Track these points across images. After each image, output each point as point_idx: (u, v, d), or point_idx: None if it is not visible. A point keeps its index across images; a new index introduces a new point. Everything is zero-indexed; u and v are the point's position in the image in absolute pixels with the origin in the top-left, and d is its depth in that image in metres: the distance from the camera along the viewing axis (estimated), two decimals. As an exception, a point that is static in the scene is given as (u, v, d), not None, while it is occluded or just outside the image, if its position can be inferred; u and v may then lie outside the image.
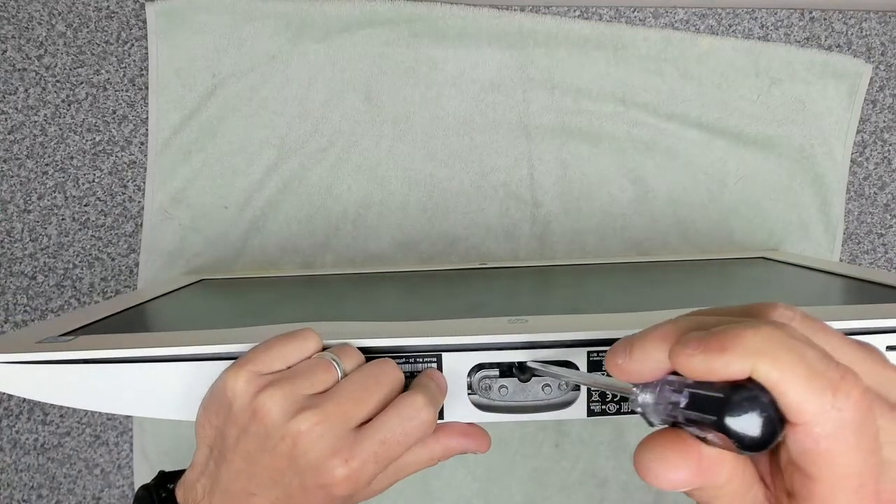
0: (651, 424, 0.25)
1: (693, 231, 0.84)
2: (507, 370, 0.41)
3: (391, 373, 0.39)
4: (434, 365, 0.41)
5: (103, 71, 0.80)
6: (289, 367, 0.38)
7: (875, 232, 0.87)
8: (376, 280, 0.72)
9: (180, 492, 0.39)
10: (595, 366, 0.40)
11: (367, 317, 0.47)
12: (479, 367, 0.41)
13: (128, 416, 0.83)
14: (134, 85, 0.80)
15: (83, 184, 0.81)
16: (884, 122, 0.85)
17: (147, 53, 0.80)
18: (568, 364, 0.40)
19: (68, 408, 0.82)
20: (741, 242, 0.85)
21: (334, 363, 0.38)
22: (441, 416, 0.42)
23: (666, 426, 0.24)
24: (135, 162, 0.81)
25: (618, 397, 0.41)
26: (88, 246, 0.82)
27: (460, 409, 0.42)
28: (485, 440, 0.42)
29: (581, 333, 0.40)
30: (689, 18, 0.82)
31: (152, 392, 0.41)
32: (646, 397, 0.25)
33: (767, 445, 0.21)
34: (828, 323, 0.26)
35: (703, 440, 0.22)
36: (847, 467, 0.21)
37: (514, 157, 0.83)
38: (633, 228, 0.84)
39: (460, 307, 0.57)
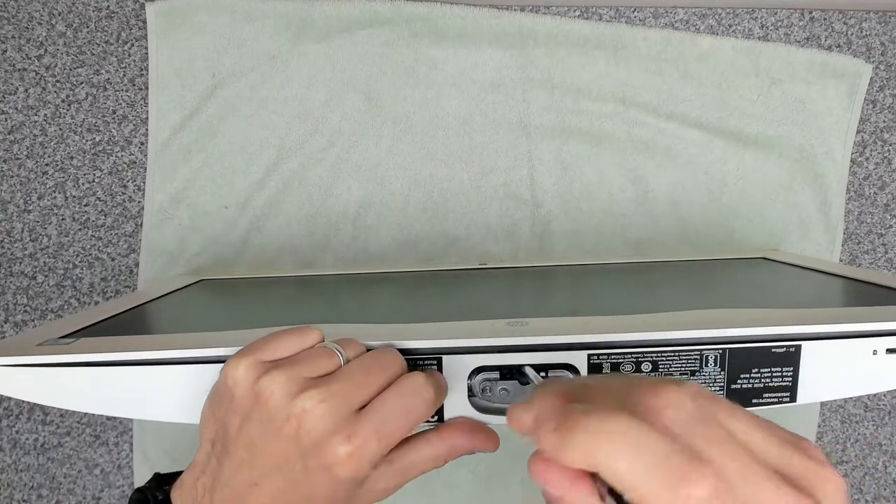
0: None
1: (693, 231, 0.84)
2: (507, 373, 0.41)
3: (394, 359, 0.38)
4: (434, 367, 0.41)
5: (103, 71, 0.80)
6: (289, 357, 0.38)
7: (875, 232, 0.87)
8: (376, 280, 0.72)
9: (176, 493, 0.38)
10: (595, 368, 0.41)
11: (366, 317, 0.47)
12: (480, 369, 0.41)
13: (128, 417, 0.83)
14: (134, 85, 0.80)
15: (83, 184, 0.81)
16: (884, 122, 0.85)
17: (147, 53, 0.80)
18: (569, 367, 0.41)
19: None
20: (741, 242, 0.85)
21: (337, 351, 0.38)
22: (441, 418, 0.42)
23: None
24: (135, 162, 0.81)
25: None
26: (88, 246, 0.82)
27: (461, 411, 0.42)
28: (492, 439, 0.41)
29: (581, 336, 0.40)
30: (689, 18, 0.82)
31: (153, 395, 0.41)
32: None
33: None
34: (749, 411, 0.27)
35: None
36: None
37: (514, 157, 0.83)
38: (633, 228, 0.84)
39: (460, 308, 0.57)
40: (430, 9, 0.79)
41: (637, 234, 0.84)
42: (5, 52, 0.79)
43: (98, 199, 0.81)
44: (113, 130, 0.81)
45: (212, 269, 0.82)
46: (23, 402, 0.82)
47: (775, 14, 0.82)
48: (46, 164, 0.80)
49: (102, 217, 0.82)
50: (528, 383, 0.41)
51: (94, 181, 0.81)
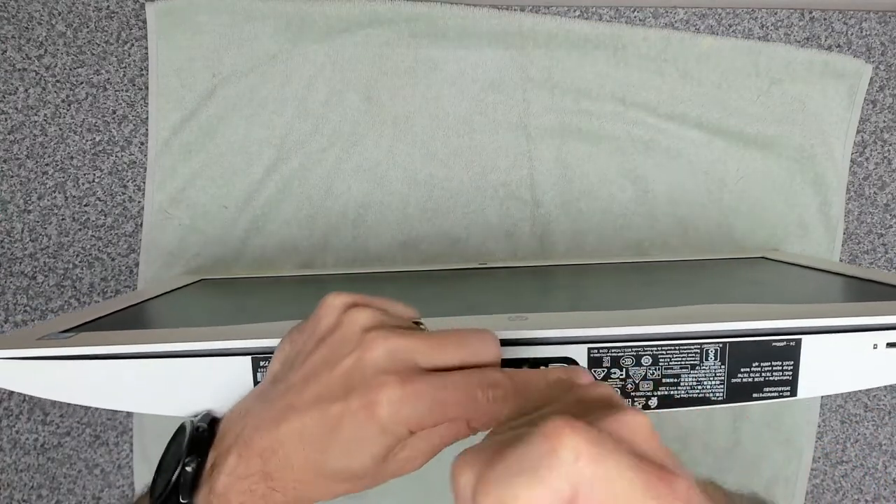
0: None
1: (693, 231, 0.84)
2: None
3: (483, 344, 0.35)
4: None
5: (103, 71, 0.80)
6: None
7: (875, 232, 0.87)
8: (376, 280, 0.72)
9: (223, 419, 0.38)
10: (595, 362, 0.40)
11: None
12: None
13: (128, 416, 0.83)
14: (134, 85, 0.80)
15: (83, 184, 0.81)
16: (884, 122, 0.85)
17: (147, 53, 0.80)
18: (569, 361, 0.40)
19: (68, 408, 0.82)
20: (741, 242, 0.85)
21: (425, 325, 0.38)
22: None
23: None
24: (135, 162, 0.81)
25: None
26: (88, 246, 0.82)
27: None
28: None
29: (581, 330, 0.40)
30: (689, 18, 0.82)
31: (152, 388, 0.41)
32: None
33: None
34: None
35: None
36: None
37: (514, 157, 0.83)
38: (633, 228, 0.84)
39: (460, 306, 0.57)
40: (430, 9, 0.80)
41: (637, 234, 0.84)
42: (5, 52, 0.79)
43: (98, 199, 0.81)
44: (113, 130, 0.81)
45: (212, 269, 0.82)
46: (23, 401, 0.82)
47: (775, 14, 0.82)
48: (46, 164, 0.80)
49: (102, 217, 0.82)
50: None
51: (94, 181, 0.81)
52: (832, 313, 0.42)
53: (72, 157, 0.81)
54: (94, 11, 0.79)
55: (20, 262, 0.81)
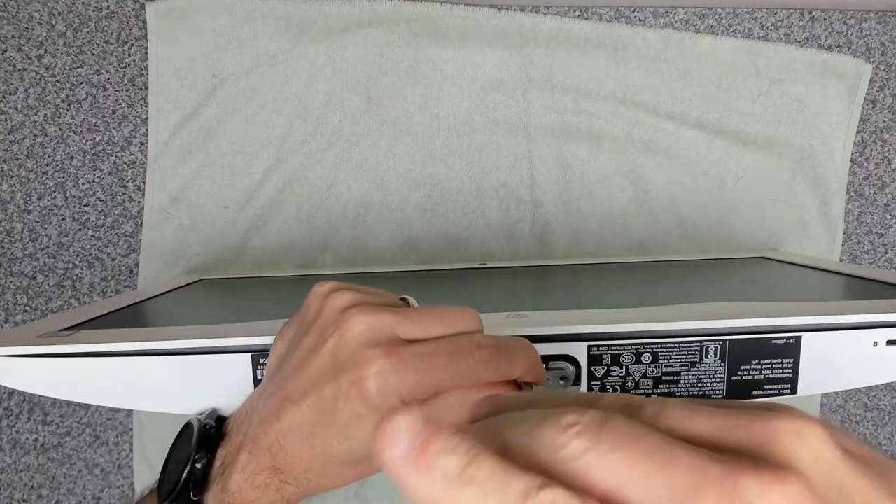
0: None
1: (693, 231, 0.84)
2: None
3: (464, 317, 0.35)
4: None
5: (103, 71, 0.80)
6: None
7: (875, 232, 0.87)
8: (376, 280, 0.72)
9: (227, 423, 0.38)
10: (595, 359, 0.40)
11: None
12: None
13: (128, 416, 0.83)
14: (134, 85, 0.81)
15: (83, 184, 0.81)
16: (884, 122, 0.85)
17: (147, 53, 0.80)
18: (569, 359, 0.40)
19: (68, 408, 0.82)
20: (741, 242, 0.85)
21: (412, 301, 0.37)
22: None
23: None
24: (135, 162, 0.81)
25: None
26: (88, 246, 0.82)
27: None
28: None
29: (581, 327, 0.40)
30: (689, 18, 0.82)
31: (152, 386, 0.41)
32: None
33: None
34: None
35: None
36: None
37: (514, 157, 0.83)
38: (633, 228, 0.84)
39: (460, 305, 0.57)
40: (430, 9, 0.80)
41: (637, 233, 0.84)
42: (5, 52, 0.79)
43: (98, 199, 0.81)
44: (113, 130, 0.81)
45: (212, 269, 0.82)
46: (23, 401, 0.82)
47: (775, 14, 0.82)
48: (46, 164, 0.80)
49: (102, 217, 0.82)
50: None
51: (94, 181, 0.81)
52: (832, 311, 0.42)
53: (72, 157, 0.81)
54: (94, 11, 0.79)
55: (20, 262, 0.81)
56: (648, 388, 0.41)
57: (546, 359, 0.40)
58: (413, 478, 0.18)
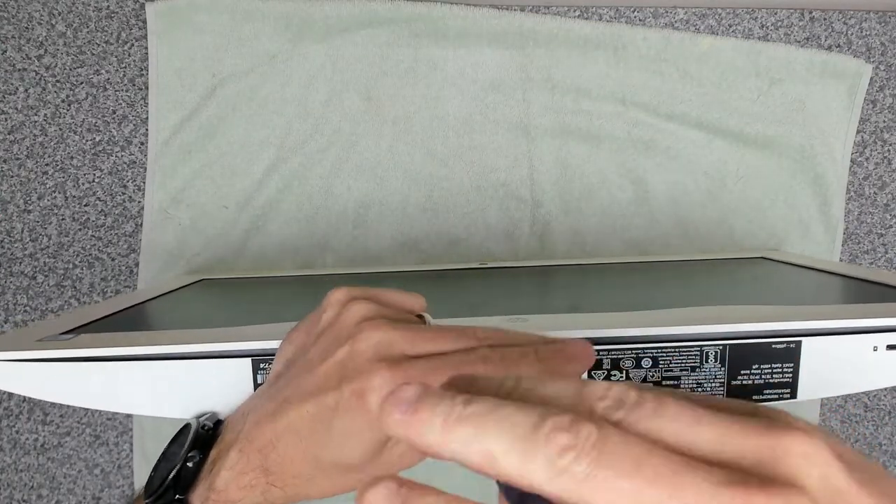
0: None
1: (693, 231, 0.84)
2: None
3: (481, 335, 0.34)
4: None
5: (103, 71, 0.80)
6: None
7: (875, 232, 0.87)
8: (376, 280, 0.72)
9: (227, 420, 0.38)
10: (595, 364, 0.40)
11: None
12: None
13: (128, 416, 0.83)
14: (134, 85, 0.80)
15: (83, 184, 0.81)
16: (884, 122, 0.85)
17: (147, 53, 0.80)
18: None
19: (68, 408, 0.82)
20: (741, 242, 0.85)
21: (428, 318, 0.37)
22: None
23: None
24: (135, 162, 0.81)
25: None
26: (88, 246, 0.82)
27: None
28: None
29: (581, 332, 0.40)
30: (689, 18, 0.82)
31: (152, 390, 0.41)
32: None
33: None
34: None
35: None
36: None
37: (514, 157, 0.83)
38: (633, 228, 0.84)
39: (460, 307, 0.57)
40: (430, 9, 0.80)
41: (637, 234, 0.84)
42: (5, 52, 0.79)
43: (98, 199, 0.81)
44: (113, 130, 0.81)
45: (212, 269, 0.82)
46: (23, 401, 0.82)
47: (775, 14, 0.82)
48: (46, 164, 0.80)
49: (102, 217, 0.82)
50: None
51: (94, 181, 0.81)
52: (832, 315, 0.42)
53: (72, 157, 0.81)
54: (94, 11, 0.79)
55: (20, 262, 0.81)
56: (648, 392, 0.41)
57: None
58: (417, 427, 0.20)
